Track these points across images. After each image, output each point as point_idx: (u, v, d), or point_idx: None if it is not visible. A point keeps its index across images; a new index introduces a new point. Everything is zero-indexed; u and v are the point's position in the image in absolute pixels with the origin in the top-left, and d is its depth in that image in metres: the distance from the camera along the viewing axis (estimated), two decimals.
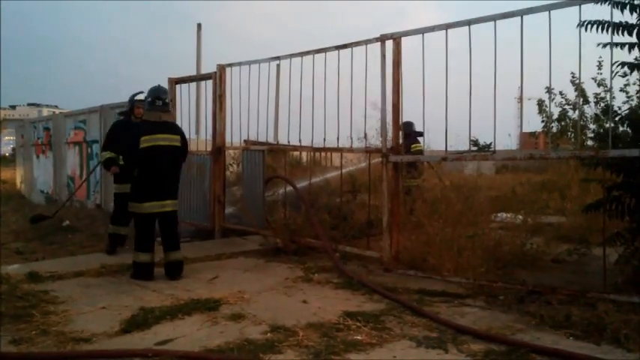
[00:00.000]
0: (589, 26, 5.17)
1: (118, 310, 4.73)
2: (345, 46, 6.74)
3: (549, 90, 6.91)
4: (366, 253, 6.55)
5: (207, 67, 10.40)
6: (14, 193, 14.77)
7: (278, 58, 7.73)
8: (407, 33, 6.23)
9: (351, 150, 7.25)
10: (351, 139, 7.17)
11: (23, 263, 6.55)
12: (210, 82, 8.69)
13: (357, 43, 6.63)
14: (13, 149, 18.19)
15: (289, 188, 8.12)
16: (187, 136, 6.67)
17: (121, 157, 6.56)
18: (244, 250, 7.32)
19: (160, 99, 6.06)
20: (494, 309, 4.80)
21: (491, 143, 7.75)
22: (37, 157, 13.48)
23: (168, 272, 5.93)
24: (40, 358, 3.73)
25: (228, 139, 8.58)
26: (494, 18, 5.51)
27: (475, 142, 8.12)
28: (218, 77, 8.44)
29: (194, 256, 6.50)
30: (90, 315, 4.67)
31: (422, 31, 6.04)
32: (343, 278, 5.83)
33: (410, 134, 8.58)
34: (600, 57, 9.80)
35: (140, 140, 5.84)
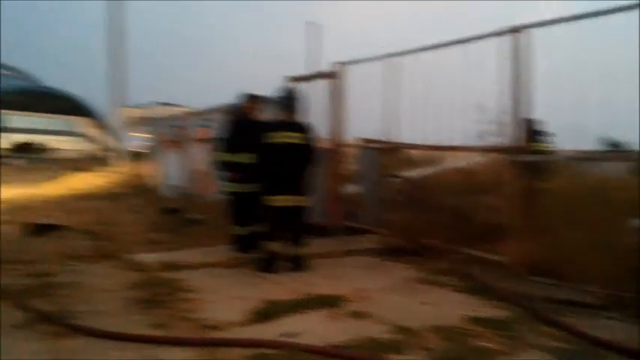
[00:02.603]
0: None
1: (245, 301, 4.95)
2: (467, 40, 6.52)
3: None
4: (489, 257, 6.34)
5: (318, 65, 10.49)
6: (147, 187, 15.89)
7: (396, 54, 7.65)
8: (542, 24, 5.84)
9: (471, 149, 7.04)
10: (469, 137, 6.94)
11: (158, 253, 7.02)
12: (323, 80, 8.79)
13: (481, 37, 6.39)
14: (145, 146, 19.52)
15: (406, 186, 8.04)
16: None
17: (242, 155, 6.67)
18: (361, 249, 7.37)
19: (290, 98, 6.32)
20: (629, 321, 4.47)
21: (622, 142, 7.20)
22: (169, 153, 14.42)
23: (291, 266, 6.17)
24: (185, 343, 3.97)
25: (344, 137, 8.67)
26: None
27: (613, 142, 7.50)
28: (336, 75, 8.54)
29: (313, 252, 6.65)
30: (219, 304, 4.95)
31: (559, 21, 5.66)
32: (464, 281, 5.70)
33: (533, 132, 8.16)
34: None
35: (268, 137, 6.14)
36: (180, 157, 13.41)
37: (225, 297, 5.16)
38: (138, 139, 24.79)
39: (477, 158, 7.45)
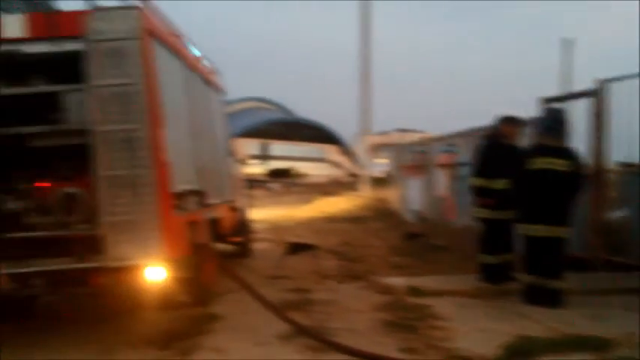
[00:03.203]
0: None
1: (496, 334, 4.65)
2: None
3: None
4: None
5: (570, 84, 9.61)
6: (390, 211, 16.32)
7: None
8: None
9: None
10: None
11: (403, 277, 7.04)
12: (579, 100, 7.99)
13: None
14: (386, 171, 20.13)
15: None
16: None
17: (497, 181, 6.36)
18: (628, 287, 6.41)
19: (555, 121, 5.88)
20: None
21: None
22: (411, 178, 14.63)
23: (547, 301, 5.63)
24: None
25: (607, 161, 7.75)
26: None
27: None
28: (598, 93, 7.71)
29: (571, 287, 6.00)
30: (469, 335, 4.73)
31: None
32: None
33: None
34: None
35: (527, 162, 5.77)
36: (422, 183, 13.47)
37: (475, 328, 4.92)
38: (380, 165, 25.73)
39: None
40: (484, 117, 6.98)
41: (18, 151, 4.77)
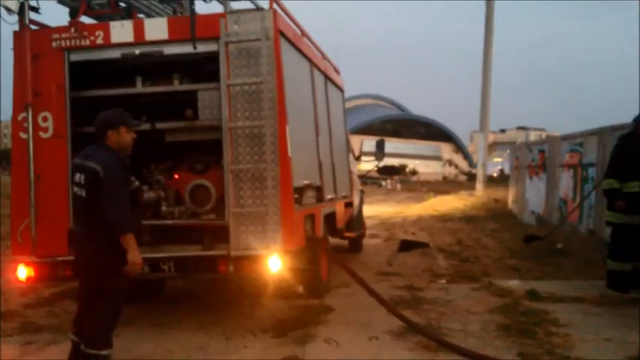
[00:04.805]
0: None
1: (621, 345, 4.43)
2: None
3: None
4: None
5: None
6: (506, 212, 15.76)
7: None
8: None
9: None
10: None
11: (521, 280, 6.82)
12: None
13: None
14: (501, 170, 19.44)
15: None
16: None
17: (632, 184, 6.02)
18: None
19: None
20: None
21: None
22: (530, 178, 14.03)
23: None
24: None
25: None
26: None
27: None
28: None
29: None
30: (592, 344, 4.52)
31: None
32: None
33: None
34: None
35: None
36: (543, 183, 12.87)
37: (599, 337, 4.67)
38: (496, 164, 24.91)
39: None
40: (615, 117, 6.54)
41: (156, 145, 5.21)
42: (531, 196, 13.69)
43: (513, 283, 6.55)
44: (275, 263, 4.67)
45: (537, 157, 13.61)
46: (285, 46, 5.07)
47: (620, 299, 5.86)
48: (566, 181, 11.25)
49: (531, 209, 13.51)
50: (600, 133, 9.44)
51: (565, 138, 11.84)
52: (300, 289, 5.70)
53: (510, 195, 16.21)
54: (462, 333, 4.74)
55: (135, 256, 3.53)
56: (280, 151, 4.72)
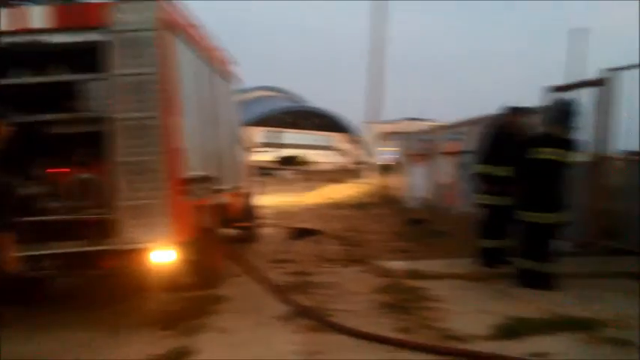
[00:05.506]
0: None
1: (490, 315, 4.86)
2: None
3: None
4: None
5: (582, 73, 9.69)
6: (394, 198, 16.49)
7: None
8: None
9: None
10: None
11: (403, 261, 7.25)
12: (587, 89, 8.11)
13: None
14: (394, 159, 20.29)
15: None
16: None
17: (500, 168, 6.57)
18: (621, 271, 6.53)
19: (562, 113, 6.02)
20: None
21: None
22: (416, 165, 14.79)
23: (540, 284, 5.84)
24: (430, 350, 4.08)
25: (610, 149, 7.89)
26: None
27: None
28: (604, 82, 7.81)
29: (565, 271, 6.19)
30: (464, 316, 4.93)
31: None
32: None
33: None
34: None
35: (532, 152, 5.94)
36: (427, 170, 13.64)
37: (470, 309, 5.12)
38: (387, 153, 25.89)
39: None
40: (496, 105, 7.18)
41: (38, 138, 5.01)
42: (417, 183, 14.44)
43: (397, 264, 6.95)
44: (165, 256, 4.69)
45: (423, 145, 14.38)
46: (174, 37, 5.04)
47: (490, 274, 6.41)
48: (447, 167, 12.02)
49: (416, 194, 14.26)
50: (478, 122, 10.19)
51: (446, 127, 12.63)
52: (191, 280, 5.70)
53: (399, 182, 16.96)
54: (347, 313, 5.00)
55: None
56: (169, 142, 4.71)
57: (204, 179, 5.96)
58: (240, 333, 4.61)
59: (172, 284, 5.59)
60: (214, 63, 6.98)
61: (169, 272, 5.05)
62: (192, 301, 5.50)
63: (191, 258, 5.24)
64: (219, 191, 6.51)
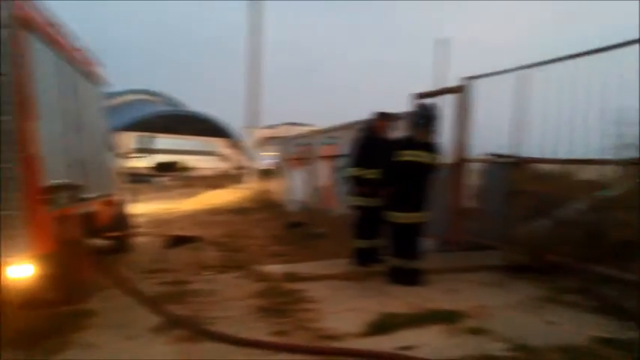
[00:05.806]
0: None
1: (362, 313, 5.03)
2: (603, 50, 6.19)
3: None
4: (622, 276, 5.87)
5: (446, 81, 10.35)
6: (273, 202, 16.58)
7: (527, 67, 7.40)
8: None
9: (606, 162, 6.56)
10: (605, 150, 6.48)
11: (281, 264, 7.31)
12: (450, 95, 8.70)
13: (619, 45, 6.03)
14: (273, 164, 20.40)
15: (536, 202, 7.67)
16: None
17: (370, 171, 6.84)
18: (482, 265, 7.14)
19: (424, 116, 6.35)
20: None
21: None
22: (295, 169, 14.99)
23: (409, 280, 6.15)
24: (303, 351, 4.13)
25: (469, 151, 8.50)
26: None
27: None
28: (463, 89, 8.41)
29: (432, 267, 6.58)
30: (337, 315, 5.06)
31: None
32: (594, 300, 5.35)
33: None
34: None
35: (397, 155, 6.21)
36: (305, 174, 13.87)
37: (344, 308, 5.27)
38: (267, 158, 25.95)
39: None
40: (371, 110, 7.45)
41: None
42: (296, 186, 14.63)
43: (274, 268, 6.98)
44: (22, 270, 4.35)
45: (301, 149, 14.60)
46: (31, 38, 4.70)
47: (365, 273, 6.64)
48: (324, 170, 12.30)
49: (295, 198, 14.44)
50: (350, 126, 10.52)
51: (322, 132, 12.93)
52: (55, 295, 5.31)
53: (279, 186, 17.09)
54: (224, 320, 4.93)
55: None
56: (24, 149, 4.38)
57: (68, 187, 5.60)
58: (109, 348, 4.37)
59: (34, 301, 5.18)
60: (78, 64, 6.60)
61: (29, 288, 4.69)
62: (57, 317, 5.11)
63: (53, 272, 4.89)
64: (85, 200, 6.16)
